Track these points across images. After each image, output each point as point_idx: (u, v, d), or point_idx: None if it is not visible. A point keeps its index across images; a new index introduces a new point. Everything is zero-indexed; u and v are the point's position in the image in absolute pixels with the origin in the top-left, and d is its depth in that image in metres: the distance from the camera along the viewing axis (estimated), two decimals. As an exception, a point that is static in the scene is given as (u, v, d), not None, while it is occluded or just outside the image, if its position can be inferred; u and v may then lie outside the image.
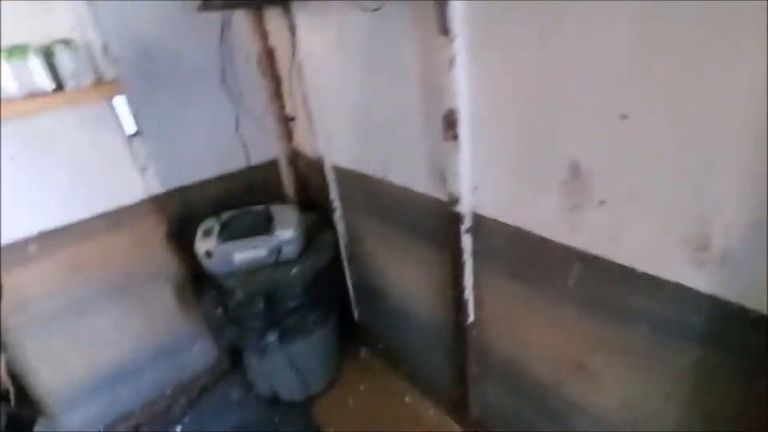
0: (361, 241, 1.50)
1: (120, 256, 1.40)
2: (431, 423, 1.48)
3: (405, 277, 1.37)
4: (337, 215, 1.51)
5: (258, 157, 1.60)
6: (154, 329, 1.55)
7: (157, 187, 1.39)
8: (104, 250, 1.36)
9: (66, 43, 1.08)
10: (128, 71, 1.24)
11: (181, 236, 1.47)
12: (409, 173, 1.14)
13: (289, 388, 1.55)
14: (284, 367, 1.43)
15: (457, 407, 1.38)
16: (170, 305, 1.57)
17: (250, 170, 1.57)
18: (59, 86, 1.07)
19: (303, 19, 1.24)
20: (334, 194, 1.48)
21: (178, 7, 1.32)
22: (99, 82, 1.15)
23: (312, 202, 1.69)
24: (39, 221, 1.22)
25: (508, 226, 0.91)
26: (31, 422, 0.54)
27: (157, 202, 1.40)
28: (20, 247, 1.20)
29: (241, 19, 1.44)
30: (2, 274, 1.15)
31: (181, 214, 1.47)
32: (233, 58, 1.45)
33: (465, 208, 0.97)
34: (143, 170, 1.34)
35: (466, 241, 1.01)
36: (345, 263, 1.61)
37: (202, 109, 1.44)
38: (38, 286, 1.27)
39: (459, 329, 1.16)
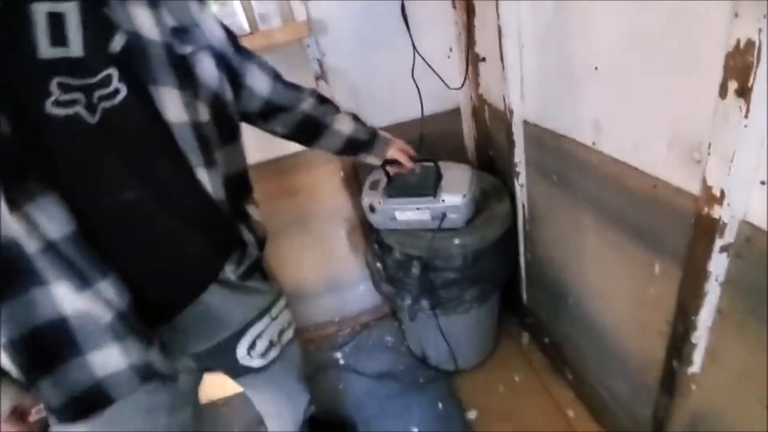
0: (544, 218, 1.21)
1: (304, 193, 1.52)
2: (597, 454, 1.19)
3: (594, 279, 1.04)
4: (520, 182, 1.24)
5: (435, 105, 1.42)
6: (328, 263, 1.69)
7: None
8: (292, 185, 1.49)
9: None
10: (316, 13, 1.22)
11: (355, 181, 1.49)
12: (631, 142, 0.78)
13: (436, 356, 1.48)
14: (434, 336, 1.35)
15: (640, 456, 1.05)
16: (343, 245, 1.66)
17: (425, 120, 1.42)
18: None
19: None
20: (519, 156, 1.20)
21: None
22: (288, 23, 1.15)
23: (492, 162, 1.45)
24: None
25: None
26: None
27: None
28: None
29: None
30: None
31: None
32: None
33: (730, 212, 0.59)
34: (327, 114, 1.35)
35: (719, 264, 0.63)
36: (521, 238, 1.35)
37: (381, 50, 1.32)
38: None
39: (668, 375, 0.81)
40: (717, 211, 0.60)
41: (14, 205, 0.49)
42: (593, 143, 0.88)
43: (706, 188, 0.60)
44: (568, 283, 1.17)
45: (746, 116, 0.51)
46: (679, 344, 0.76)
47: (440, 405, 1.42)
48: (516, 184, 1.24)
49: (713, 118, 0.56)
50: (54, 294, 0.54)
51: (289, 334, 0.88)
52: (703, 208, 0.62)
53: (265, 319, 0.80)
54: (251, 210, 0.81)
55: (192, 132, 0.62)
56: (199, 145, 0.63)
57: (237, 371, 0.80)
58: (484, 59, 1.28)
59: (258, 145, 1.38)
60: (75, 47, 0.52)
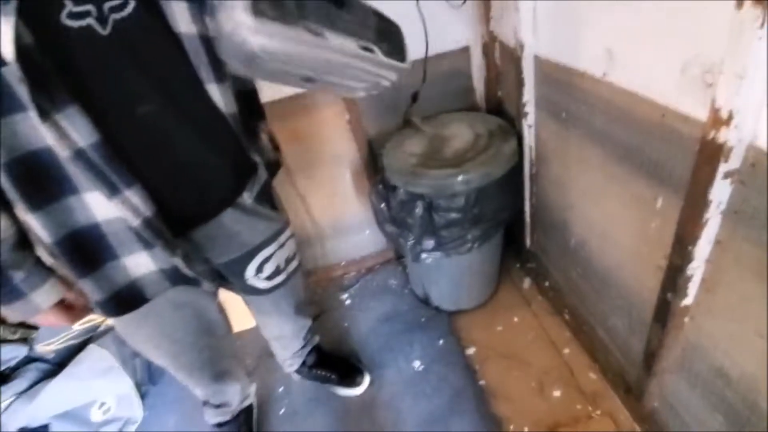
0: (551, 160, 1.19)
1: (308, 136, 1.50)
2: (588, 388, 1.25)
3: (598, 218, 1.04)
4: (528, 122, 1.21)
5: (442, 44, 1.36)
6: (334, 207, 1.71)
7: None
8: (295, 129, 1.47)
9: None
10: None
11: (359, 123, 1.46)
12: (644, 69, 0.75)
13: (438, 296, 1.53)
14: (436, 277, 1.39)
15: (629, 389, 1.10)
16: (349, 189, 1.67)
17: (431, 60, 1.36)
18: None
19: None
20: (529, 95, 1.16)
21: None
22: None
23: (501, 104, 1.41)
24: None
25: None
26: None
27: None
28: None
29: None
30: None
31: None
32: None
33: (737, 135, 0.57)
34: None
35: (721, 191, 0.62)
36: (526, 181, 1.34)
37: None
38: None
39: (662, 308, 0.83)
40: (724, 135, 0.58)
41: (44, 114, 0.51)
42: (604, 74, 0.85)
43: (714, 110, 0.58)
44: (571, 224, 1.17)
45: (761, 26, 0.48)
46: (674, 276, 0.77)
47: (441, 341, 1.49)
48: (524, 125, 1.22)
49: (728, 32, 0.53)
50: (87, 202, 0.59)
51: (294, 264, 0.93)
52: (709, 133, 0.60)
53: (274, 245, 0.84)
54: (262, 135, 0.83)
55: (201, 45, 0.63)
56: (209, 59, 0.64)
57: (245, 290, 0.86)
58: (496, -11, 1.21)
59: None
60: None
